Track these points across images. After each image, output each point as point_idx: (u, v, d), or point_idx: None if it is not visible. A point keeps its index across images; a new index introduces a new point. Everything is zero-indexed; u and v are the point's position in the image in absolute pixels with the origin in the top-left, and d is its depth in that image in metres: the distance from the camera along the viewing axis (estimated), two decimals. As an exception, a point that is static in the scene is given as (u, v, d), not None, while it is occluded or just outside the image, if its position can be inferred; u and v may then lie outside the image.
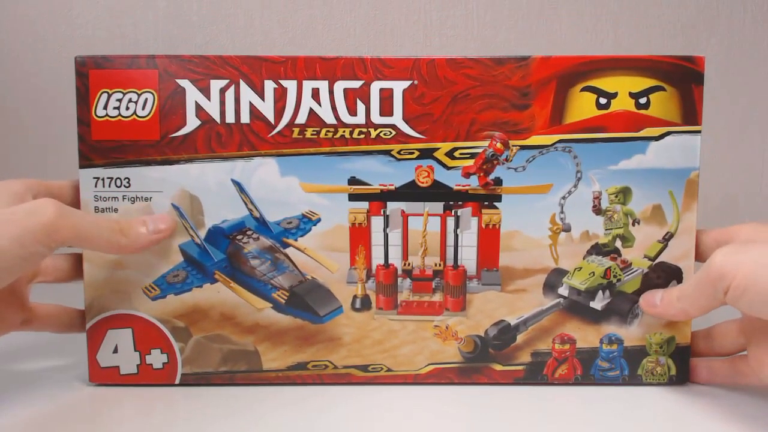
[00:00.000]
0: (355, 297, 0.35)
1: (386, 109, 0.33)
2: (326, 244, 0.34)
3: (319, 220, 0.34)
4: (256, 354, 0.35)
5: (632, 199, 0.33)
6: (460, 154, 0.33)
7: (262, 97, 0.33)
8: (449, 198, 0.34)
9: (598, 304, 0.34)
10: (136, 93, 0.33)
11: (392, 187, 0.34)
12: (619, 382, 0.35)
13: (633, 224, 0.34)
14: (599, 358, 0.34)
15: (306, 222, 0.34)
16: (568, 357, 0.34)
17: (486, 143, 0.33)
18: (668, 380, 0.35)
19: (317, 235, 0.34)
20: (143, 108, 0.34)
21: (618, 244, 0.34)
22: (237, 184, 0.34)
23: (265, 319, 0.34)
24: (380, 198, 0.34)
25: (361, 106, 0.33)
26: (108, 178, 0.34)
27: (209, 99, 0.33)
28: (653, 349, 0.34)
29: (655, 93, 0.32)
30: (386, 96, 0.33)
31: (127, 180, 0.34)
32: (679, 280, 0.34)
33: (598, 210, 0.33)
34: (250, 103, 0.33)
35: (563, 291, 0.34)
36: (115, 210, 0.34)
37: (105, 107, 0.33)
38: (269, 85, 0.33)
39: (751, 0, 0.58)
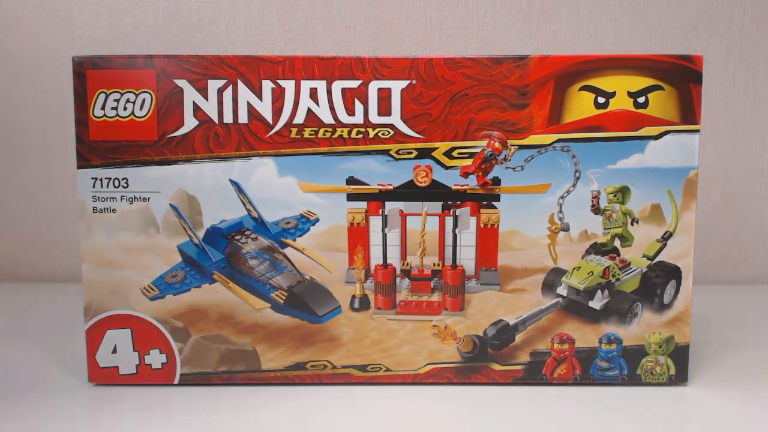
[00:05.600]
0: (353, 297, 0.35)
1: (384, 108, 0.33)
2: (325, 244, 0.34)
3: (317, 220, 0.34)
4: (254, 354, 0.34)
5: (631, 199, 0.33)
6: (459, 153, 0.33)
7: (260, 97, 0.33)
8: (448, 198, 0.34)
9: (596, 303, 0.34)
10: (134, 93, 0.33)
11: (390, 187, 0.34)
12: (618, 381, 0.34)
13: (632, 224, 0.34)
14: (598, 358, 0.34)
15: (304, 222, 0.34)
16: (567, 357, 0.34)
17: (484, 143, 0.33)
18: (667, 380, 0.34)
19: (316, 235, 0.34)
20: (141, 108, 0.34)
21: (617, 243, 0.34)
22: (235, 185, 0.34)
23: (264, 319, 0.34)
24: (378, 198, 0.34)
25: (359, 106, 0.33)
26: (106, 178, 0.34)
27: (207, 99, 0.33)
28: (652, 348, 0.34)
29: (654, 92, 0.32)
30: (384, 96, 0.33)
31: (125, 180, 0.34)
32: (678, 280, 0.34)
33: (596, 209, 0.33)
34: (248, 103, 0.33)
35: (562, 290, 0.34)
36: (114, 210, 0.34)
37: (103, 107, 0.33)
38: (267, 85, 0.33)
39: (751, 0, 0.58)
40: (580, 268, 0.34)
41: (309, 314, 0.34)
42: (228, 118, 0.34)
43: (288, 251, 0.35)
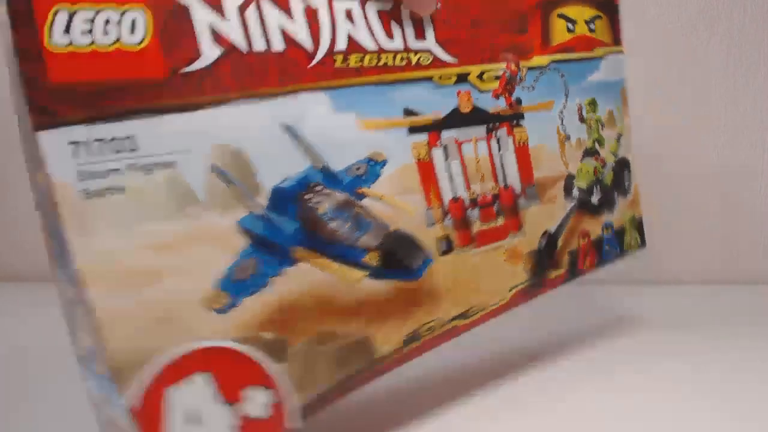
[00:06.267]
0: (437, 240, 0.31)
1: (419, 32, 0.31)
2: (399, 186, 0.29)
3: (385, 161, 0.29)
4: (367, 342, 0.27)
5: (599, 108, 0.40)
6: (487, 77, 0.34)
7: (291, 18, 0.26)
8: (489, 120, 0.34)
9: (595, 198, 0.40)
10: (116, 10, 0.22)
11: (441, 116, 0.32)
12: (612, 258, 0.41)
13: (601, 129, 0.41)
14: (605, 243, 0.40)
15: (373, 165, 0.29)
16: (589, 249, 0.39)
17: (503, 65, 0.35)
18: (639, 246, 0.43)
19: (386, 178, 0.29)
20: (132, 32, 0.22)
21: (597, 146, 0.40)
22: (288, 129, 0.26)
23: (366, 293, 0.27)
24: (436, 128, 0.31)
25: (396, 30, 0.30)
26: (97, 140, 0.21)
27: (226, 18, 0.24)
28: (627, 226, 0.42)
29: (598, 20, 0.40)
30: (417, 18, 0.31)
31: (129, 140, 0.21)
32: (629, 170, 0.43)
33: (582, 119, 0.39)
34: (279, 25, 0.26)
35: (575, 193, 0.39)
36: (121, 189, 0.21)
37: (67, 31, 0.20)
38: (296, 5, 0.26)
39: (751, 0, 0.54)
40: (581, 170, 0.39)
41: (405, 271, 0.29)
42: (259, 45, 0.25)
43: (365, 202, 0.28)
